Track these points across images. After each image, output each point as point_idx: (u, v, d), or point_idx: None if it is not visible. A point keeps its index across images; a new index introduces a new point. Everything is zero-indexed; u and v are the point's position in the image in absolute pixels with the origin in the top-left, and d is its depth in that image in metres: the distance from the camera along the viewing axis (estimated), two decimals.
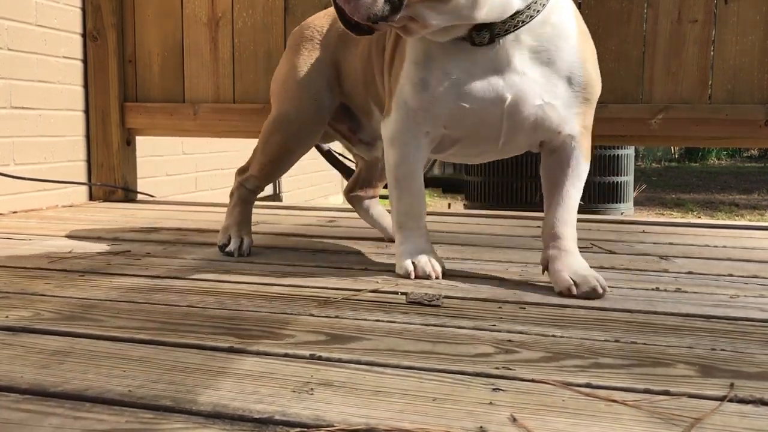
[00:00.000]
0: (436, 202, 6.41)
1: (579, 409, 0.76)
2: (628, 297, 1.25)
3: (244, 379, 0.84)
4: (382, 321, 1.09)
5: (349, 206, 1.91)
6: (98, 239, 1.80)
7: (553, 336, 1.02)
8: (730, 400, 0.79)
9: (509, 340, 0.99)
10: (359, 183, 1.85)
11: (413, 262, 1.38)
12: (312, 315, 1.12)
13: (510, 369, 0.88)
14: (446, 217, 2.34)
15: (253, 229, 1.71)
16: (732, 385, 0.83)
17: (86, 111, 2.69)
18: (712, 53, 2.18)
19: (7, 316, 1.09)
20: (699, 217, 5.30)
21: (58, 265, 1.48)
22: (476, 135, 1.32)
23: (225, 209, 1.73)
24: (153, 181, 3.31)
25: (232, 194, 1.69)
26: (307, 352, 0.93)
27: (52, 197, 2.52)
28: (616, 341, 1.00)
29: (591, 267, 1.30)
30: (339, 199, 6.18)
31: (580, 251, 1.34)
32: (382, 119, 1.40)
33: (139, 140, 2.90)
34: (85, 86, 2.69)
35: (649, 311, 1.16)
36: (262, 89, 2.50)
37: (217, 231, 1.70)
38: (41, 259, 1.54)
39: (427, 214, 1.47)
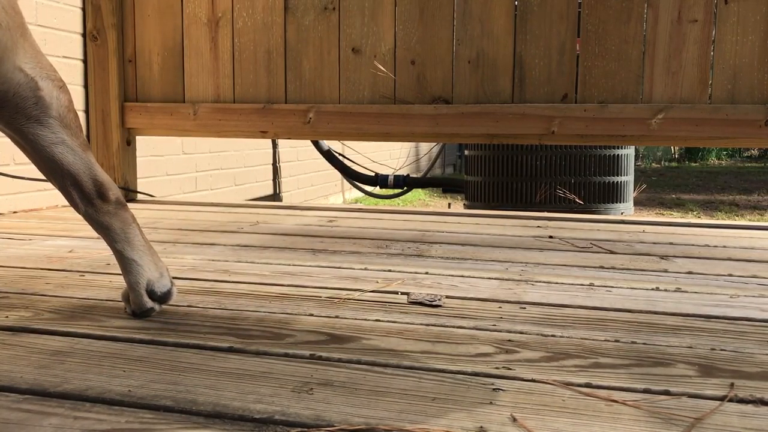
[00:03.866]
0: (436, 202, 6.40)
1: (579, 409, 0.76)
2: (628, 297, 1.25)
3: (244, 379, 0.84)
4: (382, 321, 1.09)
5: (350, 206, 1.91)
6: (98, 239, 1.79)
7: (553, 336, 1.02)
8: (730, 400, 0.79)
9: (509, 340, 0.99)
10: None
11: None
12: (312, 315, 1.12)
13: (510, 369, 0.88)
14: (446, 217, 2.34)
15: (253, 229, 1.71)
16: (732, 385, 0.83)
17: (86, 111, 2.69)
18: (712, 53, 2.18)
19: (7, 316, 1.09)
20: (699, 217, 5.30)
21: (58, 265, 1.48)
22: None
23: (225, 209, 1.73)
24: (153, 181, 3.30)
25: None
26: (307, 352, 0.93)
27: (52, 197, 2.52)
28: (616, 341, 1.00)
29: (587, 267, 1.30)
30: (339, 199, 6.18)
31: (581, 251, 1.34)
32: None
33: (139, 140, 2.90)
34: (85, 86, 2.69)
35: (649, 311, 1.16)
36: (262, 89, 2.50)
37: (217, 231, 1.70)
38: (41, 259, 1.53)
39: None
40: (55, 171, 1.11)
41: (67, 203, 2.65)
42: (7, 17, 1.01)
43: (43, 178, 1.15)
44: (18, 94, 1.06)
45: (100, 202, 1.12)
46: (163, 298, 1.12)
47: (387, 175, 4.21)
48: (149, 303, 1.10)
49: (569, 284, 1.35)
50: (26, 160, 1.16)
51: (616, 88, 2.23)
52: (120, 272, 1.40)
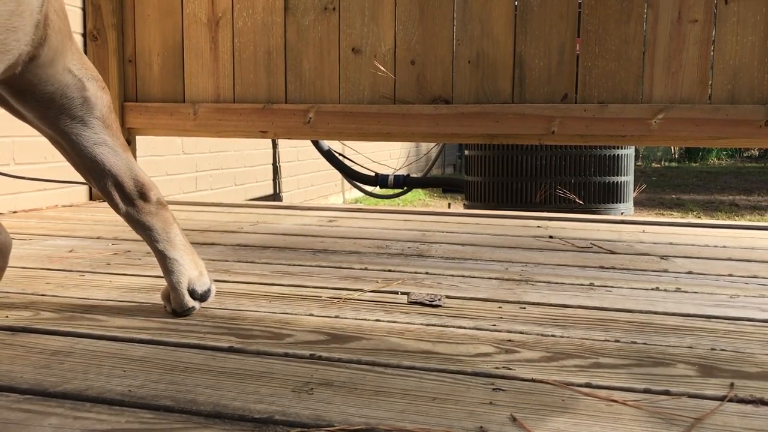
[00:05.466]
0: (436, 202, 6.41)
1: (579, 409, 0.76)
2: (628, 297, 1.25)
3: (245, 379, 0.84)
4: (382, 321, 1.09)
5: (350, 206, 1.91)
6: (98, 239, 1.79)
7: (553, 336, 1.02)
8: (730, 400, 0.79)
9: (509, 340, 0.99)
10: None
11: None
12: (312, 315, 1.12)
13: (510, 369, 0.88)
14: (446, 217, 2.34)
15: (253, 229, 1.71)
16: (732, 385, 0.83)
17: None
18: (712, 53, 2.18)
19: (7, 316, 1.09)
20: (699, 217, 5.30)
21: (58, 265, 1.48)
22: None
23: (225, 209, 1.73)
24: (153, 181, 3.30)
25: None
26: (307, 352, 0.93)
27: (52, 197, 2.52)
28: (616, 341, 1.00)
29: (587, 267, 1.30)
30: (339, 199, 6.18)
31: (581, 251, 1.34)
32: None
33: (139, 140, 2.90)
34: None
35: (649, 311, 1.16)
36: (262, 89, 2.50)
37: (217, 231, 1.70)
38: (41, 259, 1.53)
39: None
40: (96, 171, 1.11)
41: (67, 203, 2.66)
42: (59, 21, 1.03)
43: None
44: (65, 95, 1.06)
45: (141, 202, 1.13)
46: (204, 296, 1.13)
47: (387, 175, 4.21)
48: (190, 302, 1.11)
49: (569, 284, 1.35)
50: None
51: (616, 88, 2.23)
52: (119, 272, 1.41)
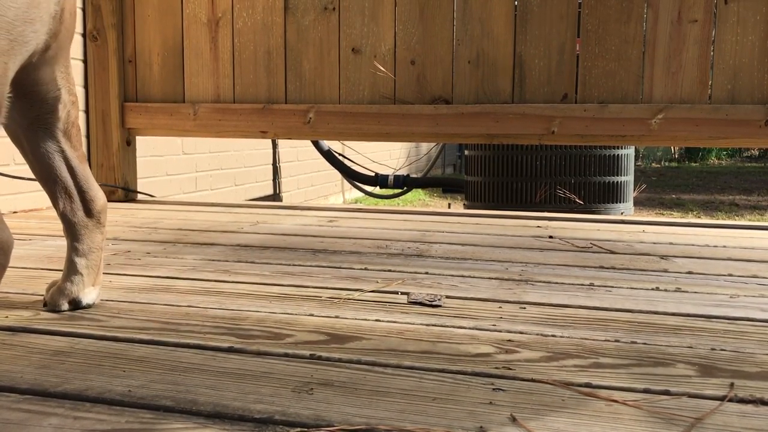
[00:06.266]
0: (436, 202, 6.41)
1: (579, 409, 0.76)
2: (628, 297, 1.25)
3: (244, 379, 0.84)
4: (382, 321, 1.09)
5: (350, 206, 1.91)
6: None
7: (553, 336, 1.02)
8: (730, 400, 0.79)
9: (509, 340, 0.99)
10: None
11: None
12: (312, 315, 1.12)
13: (510, 369, 0.88)
14: (446, 217, 2.34)
15: (253, 229, 1.71)
16: (732, 385, 0.83)
17: (86, 111, 2.69)
18: (712, 53, 2.18)
19: (7, 316, 1.09)
20: (699, 217, 5.30)
21: (58, 265, 1.48)
22: None
23: (225, 209, 1.73)
24: (153, 181, 3.30)
25: None
26: (307, 352, 0.93)
27: None
28: (616, 341, 1.00)
29: (587, 267, 1.29)
30: (339, 199, 6.18)
31: (581, 251, 1.34)
32: None
33: (139, 140, 2.90)
34: (85, 86, 2.69)
35: (649, 311, 1.16)
36: (262, 89, 2.50)
37: (217, 231, 1.70)
38: (41, 259, 1.53)
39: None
40: (49, 178, 1.14)
41: None
42: (70, 20, 1.03)
43: None
44: (44, 100, 1.07)
45: (81, 213, 1.19)
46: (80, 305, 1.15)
47: (387, 175, 4.21)
48: (65, 306, 1.13)
49: (569, 284, 1.35)
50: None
51: (616, 88, 2.23)
52: (119, 272, 1.41)
